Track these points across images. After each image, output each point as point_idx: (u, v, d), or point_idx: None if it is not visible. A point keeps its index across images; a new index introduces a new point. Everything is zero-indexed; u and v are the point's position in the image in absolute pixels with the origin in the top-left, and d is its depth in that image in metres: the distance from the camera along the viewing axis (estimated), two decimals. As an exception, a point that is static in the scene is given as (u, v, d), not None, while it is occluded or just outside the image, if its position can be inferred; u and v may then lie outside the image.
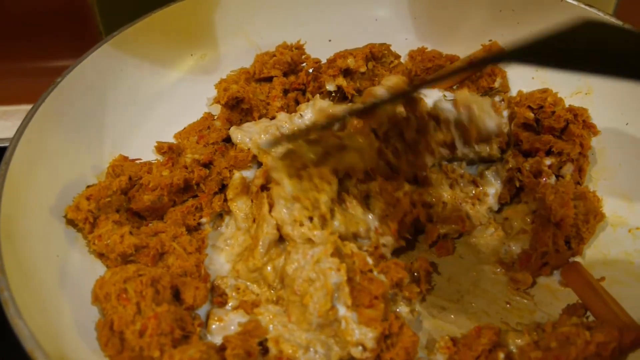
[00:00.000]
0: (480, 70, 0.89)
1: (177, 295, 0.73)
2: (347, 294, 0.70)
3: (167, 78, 0.99)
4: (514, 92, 0.99)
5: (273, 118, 0.94)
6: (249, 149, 0.89)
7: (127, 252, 0.76)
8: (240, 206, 0.85)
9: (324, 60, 1.00)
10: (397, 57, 1.02)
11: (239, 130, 0.90)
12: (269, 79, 0.99)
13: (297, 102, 0.98)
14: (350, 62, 0.95)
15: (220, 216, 0.88)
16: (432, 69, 1.03)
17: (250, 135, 0.89)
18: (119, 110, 0.92)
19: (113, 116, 0.91)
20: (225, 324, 0.73)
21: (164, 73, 0.98)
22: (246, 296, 0.77)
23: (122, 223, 0.80)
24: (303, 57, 1.01)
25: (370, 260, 0.76)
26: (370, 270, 0.75)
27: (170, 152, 0.89)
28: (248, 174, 0.88)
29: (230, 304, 0.77)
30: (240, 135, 0.89)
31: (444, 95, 0.99)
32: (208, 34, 1.01)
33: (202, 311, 0.75)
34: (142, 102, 0.95)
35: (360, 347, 0.69)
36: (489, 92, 0.99)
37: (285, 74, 1.00)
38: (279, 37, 1.02)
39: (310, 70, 1.00)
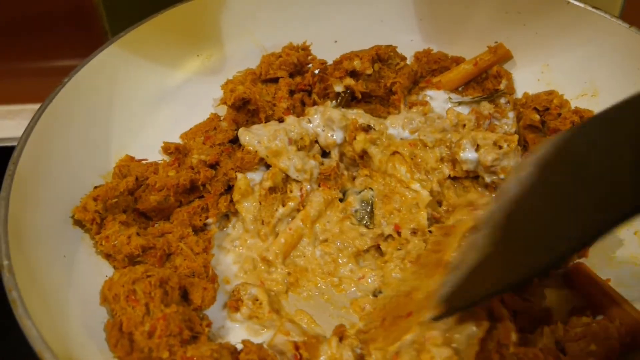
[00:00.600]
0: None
1: (185, 296, 0.74)
2: None
3: (174, 78, 0.99)
4: (519, 94, 0.99)
5: (281, 120, 0.94)
6: (256, 151, 0.88)
7: (134, 253, 0.77)
8: (248, 208, 0.86)
9: (330, 61, 1.00)
10: (403, 58, 1.01)
11: (248, 132, 0.90)
12: (275, 80, 0.99)
13: (304, 103, 0.99)
14: (357, 64, 0.95)
15: (226, 217, 0.88)
16: (437, 71, 1.03)
17: (258, 137, 0.89)
18: (126, 111, 0.92)
19: (119, 116, 0.91)
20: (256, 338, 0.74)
21: (170, 73, 0.98)
22: (262, 309, 0.77)
23: (129, 224, 0.81)
24: (309, 58, 1.01)
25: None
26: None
27: (176, 152, 0.90)
28: (254, 176, 0.89)
29: (241, 312, 0.77)
30: (248, 137, 0.89)
31: (449, 98, 1.00)
32: (214, 34, 1.01)
33: (211, 312, 0.76)
34: (149, 103, 0.95)
35: None
36: (494, 93, 0.99)
37: (291, 75, 1.00)
38: (285, 38, 1.02)
39: (317, 72, 0.99)
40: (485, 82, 1.01)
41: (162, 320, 0.65)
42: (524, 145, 0.91)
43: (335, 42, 1.05)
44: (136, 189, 0.84)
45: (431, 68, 1.03)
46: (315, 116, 0.93)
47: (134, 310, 0.67)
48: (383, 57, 0.99)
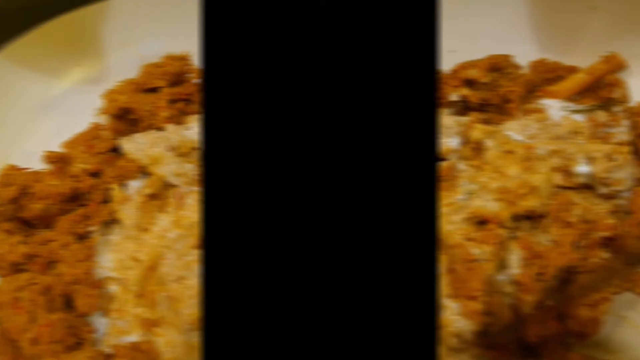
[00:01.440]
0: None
1: (69, 303, 0.78)
2: None
3: (55, 89, 1.01)
4: (635, 103, 0.99)
5: (162, 129, 0.97)
6: (137, 159, 0.92)
7: (17, 261, 0.80)
8: (128, 215, 0.89)
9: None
10: (518, 67, 1.02)
11: (129, 141, 0.94)
12: (156, 90, 1.01)
13: (184, 112, 1.01)
14: (473, 72, 0.97)
15: (109, 224, 0.90)
16: (552, 80, 1.02)
17: (139, 146, 0.93)
18: (7, 121, 0.94)
19: (1, 127, 0.93)
20: (123, 337, 0.76)
21: (52, 84, 1.00)
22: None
23: (12, 232, 0.84)
24: (189, 67, 1.04)
25: (477, 251, 0.73)
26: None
27: (58, 161, 0.92)
28: (136, 183, 0.92)
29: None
30: (129, 146, 0.93)
31: (565, 106, 0.98)
32: (95, 45, 1.03)
33: (95, 318, 0.79)
34: (31, 113, 0.98)
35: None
36: (609, 102, 0.99)
37: (172, 85, 1.02)
38: (165, 48, 1.04)
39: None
40: (600, 90, 1.01)
41: (46, 327, 0.70)
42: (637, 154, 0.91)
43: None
44: (19, 198, 0.86)
45: (546, 77, 1.03)
46: (194, 124, 0.98)
47: (18, 318, 0.71)
48: (499, 66, 0.99)
